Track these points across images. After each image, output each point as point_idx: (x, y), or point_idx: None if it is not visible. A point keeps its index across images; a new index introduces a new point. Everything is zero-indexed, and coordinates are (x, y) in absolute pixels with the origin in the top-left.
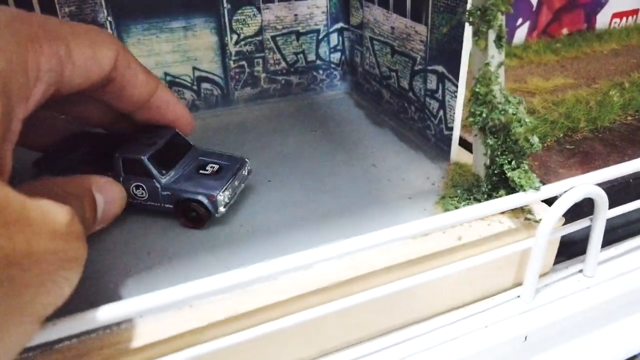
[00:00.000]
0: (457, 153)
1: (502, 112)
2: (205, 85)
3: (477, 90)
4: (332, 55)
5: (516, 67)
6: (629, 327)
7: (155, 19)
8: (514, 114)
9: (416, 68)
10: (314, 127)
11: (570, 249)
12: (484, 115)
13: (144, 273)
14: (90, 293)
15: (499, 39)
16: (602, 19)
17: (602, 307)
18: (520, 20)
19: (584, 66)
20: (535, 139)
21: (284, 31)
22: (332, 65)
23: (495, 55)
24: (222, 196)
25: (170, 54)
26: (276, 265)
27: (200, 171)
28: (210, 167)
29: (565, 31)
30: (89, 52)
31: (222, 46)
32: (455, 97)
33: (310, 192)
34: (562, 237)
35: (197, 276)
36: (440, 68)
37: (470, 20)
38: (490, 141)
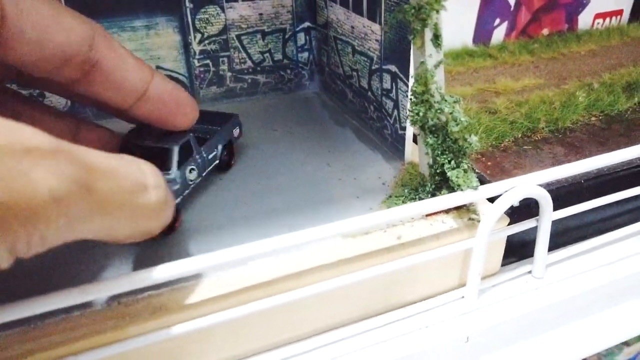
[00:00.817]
0: (412, 152)
1: (439, 111)
2: None
3: (414, 89)
4: (299, 55)
5: (489, 67)
6: (577, 330)
7: (116, 18)
8: (450, 113)
9: (373, 67)
10: (275, 127)
11: (524, 250)
12: (421, 114)
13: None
14: None
15: (435, 37)
16: (585, 19)
17: (551, 309)
18: (497, 21)
19: (559, 67)
20: (473, 138)
21: (249, 30)
22: (300, 65)
23: (433, 54)
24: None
25: (134, 53)
26: (210, 259)
27: None
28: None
29: (545, 32)
30: (49, 12)
31: (186, 45)
32: (407, 96)
33: (259, 191)
34: (515, 238)
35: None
36: (393, 67)
37: (407, 18)
38: (430, 140)
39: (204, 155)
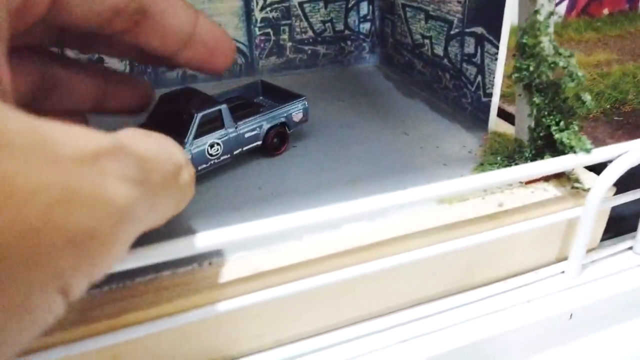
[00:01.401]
0: (494, 122)
1: (552, 66)
2: None
3: (524, 41)
4: (361, 26)
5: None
6: None
7: None
8: (564, 67)
9: (452, 32)
10: (341, 98)
11: (618, 225)
12: (530, 69)
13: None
14: None
15: None
16: None
17: None
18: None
19: (628, 44)
20: (587, 97)
21: None
22: (361, 36)
23: (545, 4)
24: None
25: None
26: (300, 218)
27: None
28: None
29: (606, 11)
30: None
31: (248, 12)
32: (496, 59)
33: (337, 159)
34: (613, 211)
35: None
36: (479, 29)
37: None
38: (536, 100)
39: (239, 131)
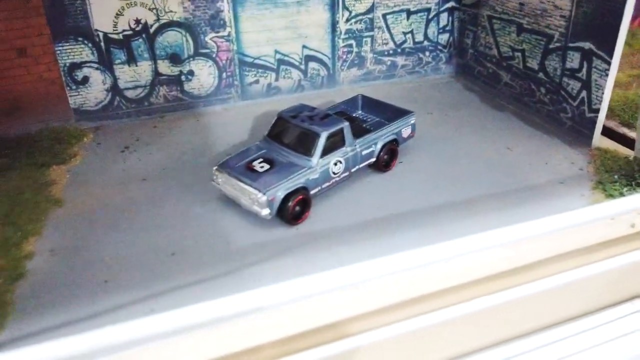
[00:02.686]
0: (598, 138)
1: None
2: (312, 64)
3: None
4: (440, 37)
5: (627, 54)
6: None
7: None
8: None
9: (552, 46)
10: (429, 110)
11: None
12: None
13: None
14: None
15: None
16: None
17: None
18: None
19: None
20: None
21: (395, 9)
22: (439, 47)
23: None
24: None
25: (282, 31)
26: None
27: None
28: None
29: None
30: None
31: (333, 23)
32: (606, 75)
33: (446, 176)
34: None
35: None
36: (586, 45)
37: None
38: None
39: (358, 149)
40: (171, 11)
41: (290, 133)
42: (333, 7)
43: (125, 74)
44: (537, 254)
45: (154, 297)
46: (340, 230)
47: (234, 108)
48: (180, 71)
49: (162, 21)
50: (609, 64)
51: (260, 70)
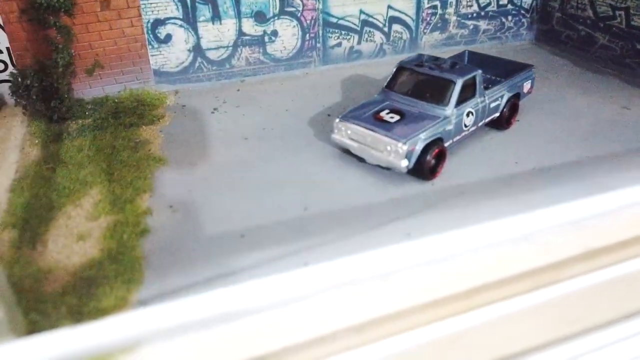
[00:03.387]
0: None
1: None
2: (396, 27)
3: None
4: (524, 0)
5: None
6: None
7: None
8: None
9: None
10: None
11: None
12: None
13: None
14: None
15: None
16: None
17: None
18: None
19: None
20: None
21: None
22: (522, 12)
23: None
24: None
25: None
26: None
27: None
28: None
29: None
30: None
31: None
32: None
33: (569, 134)
34: None
35: None
36: None
37: None
38: None
39: (487, 101)
40: None
41: (418, 83)
42: None
43: (209, 33)
44: None
45: (304, 250)
46: (479, 186)
47: (315, 72)
48: (264, 31)
49: None
50: None
51: (343, 32)
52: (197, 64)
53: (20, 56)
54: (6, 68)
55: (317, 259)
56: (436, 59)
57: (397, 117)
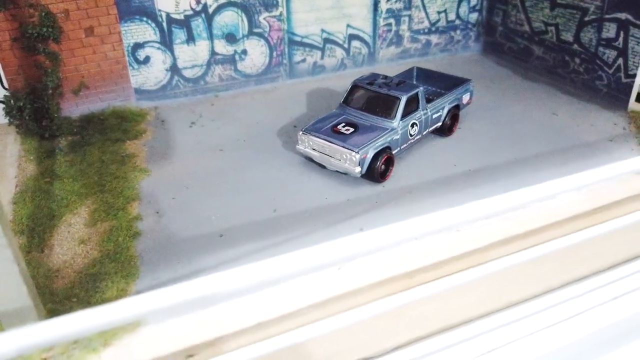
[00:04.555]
0: (633, 102)
1: None
2: (355, 43)
3: None
4: (470, 15)
5: None
6: None
7: None
8: None
9: (587, 18)
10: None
11: None
12: None
13: None
14: None
15: None
16: None
17: None
18: None
19: None
20: None
21: None
22: (469, 26)
23: None
24: None
25: (329, 10)
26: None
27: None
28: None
29: None
30: None
31: (375, 3)
32: None
33: (505, 138)
34: None
35: None
36: (623, 15)
37: None
38: None
39: (429, 113)
40: None
41: (369, 99)
42: None
43: (185, 54)
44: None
45: (273, 246)
46: (423, 186)
47: (283, 86)
48: (235, 50)
49: (221, 1)
50: None
51: (307, 49)
52: (174, 82)
53: (12, 80)
54: None
55: (284, 252)
56: (386, 77)
57: (351, 130)
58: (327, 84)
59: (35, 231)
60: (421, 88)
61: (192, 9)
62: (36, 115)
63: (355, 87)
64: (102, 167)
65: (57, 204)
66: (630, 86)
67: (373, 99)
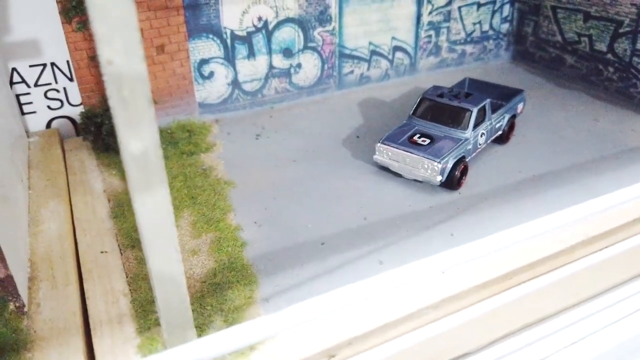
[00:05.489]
0: None
1: None
2: (398, 54)
3: None
4: (501, 26)
5: None
6: None
7: None
8: None
9: (621, 30)
10: None
11: None
12: None
13: None
14: None
15: None
16: None
17: None
18: None
19: None
20: None
21: (469, 2)
22: (501, 36)
23: None
24: None
25: (376, 24)
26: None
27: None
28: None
29: None
30: None
31: (418, 16)
32: None
33: (558, 144)
34: None
35: None
36: None
37: None
38: None
39: (493, 123)
40: (288, 8)
41: (440, 110)
42: (419, 1)
43: (245, 68)
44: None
45: (375, 251)
46: (496, 192)
47: (332, 97)
48: (290, 64)
49: (280, 18)
50: None
51: (355, 61)
52: (234, 95)
53: (87, 97)
54: (62, 105)
55: (387, 258)
56: (451, 90)
57: (428, 140)
58: (373, 94)
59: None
60: (489, 100)
61: (254, 25)
62: (112, 130)
63: (423, 99)
64: (186, 180)
65: None
66: None
67: (444, 110)
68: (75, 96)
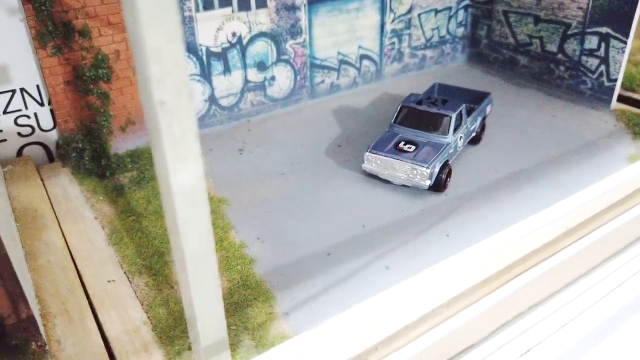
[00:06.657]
0: (614, 102)
1: None
2: (365, 62)
3: None
4: (457, 30)
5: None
6: None
7: (337, 0)
8: None
9: (570, 32)
10: None
11: None
12: None
13: None
14: None
15: None
16: None
17: None
18: None
19: None
20: None
21: (427, 9)
22: (456, 39)
23: None
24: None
25: (343, 34)
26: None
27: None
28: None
29: None
30: None
31: (382, 25)
32: (622, 52)
33: (526, 143)
34: None
35: None
36: (604, 29)
37: None
38: None
39: (469, 126)
40: (261, 23)
41: (420, 118)
42: (382, 10)
43: (221, 84)
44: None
45: (381, 257)
46: (479, 191)
47: (305, 106)
48: (265, 77)
49: (253, 32)
50: (625, 42)
51: (325, 71)
52: (211, 111)
53: (64, 122)
54: (33, 131)
55: (393, 263)
56: (429, 97)
57: (413, 147)
58: (343, 102)
59: (153, 269)
60: (464, 105)
61: (228, 41)
62: (94, 155)
63: (403, 107)
64: None
65: (158, 240)
66: (612, 89)
67: (423, 117)
68: (47, 121)
